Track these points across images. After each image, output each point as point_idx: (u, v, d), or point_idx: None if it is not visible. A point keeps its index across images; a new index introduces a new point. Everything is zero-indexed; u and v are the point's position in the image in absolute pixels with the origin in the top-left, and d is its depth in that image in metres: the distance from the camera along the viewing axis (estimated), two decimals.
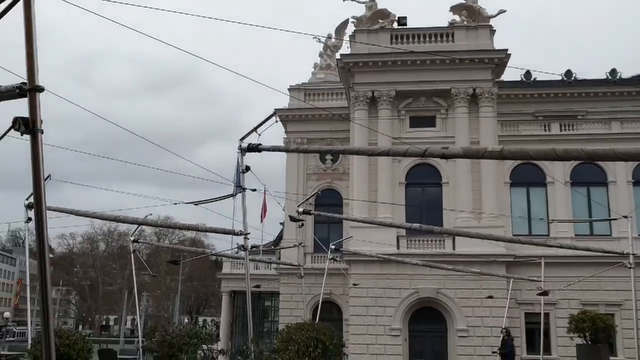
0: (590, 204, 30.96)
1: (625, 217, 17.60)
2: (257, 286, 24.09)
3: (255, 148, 9.63)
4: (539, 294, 21.47)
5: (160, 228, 70.99)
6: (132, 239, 20.63)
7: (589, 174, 31.34)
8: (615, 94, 36.10)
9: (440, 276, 28.89)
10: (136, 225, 21.00)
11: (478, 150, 7.36)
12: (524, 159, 6.34)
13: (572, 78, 37.27)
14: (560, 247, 15.49)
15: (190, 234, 78.47)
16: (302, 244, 31.84)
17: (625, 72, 38.26)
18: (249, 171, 10.24)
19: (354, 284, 27.85)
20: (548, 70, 46.77)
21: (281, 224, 45.37)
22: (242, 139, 9.96)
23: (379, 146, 9.14)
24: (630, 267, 16.02)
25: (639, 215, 29.19)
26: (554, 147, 6.94)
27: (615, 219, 20.88)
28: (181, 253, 52.78)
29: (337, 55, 35.41)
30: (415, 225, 13.14)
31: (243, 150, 9.91)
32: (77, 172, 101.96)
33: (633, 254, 16.07)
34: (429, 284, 29.53)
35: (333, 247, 21.43)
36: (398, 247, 29.90)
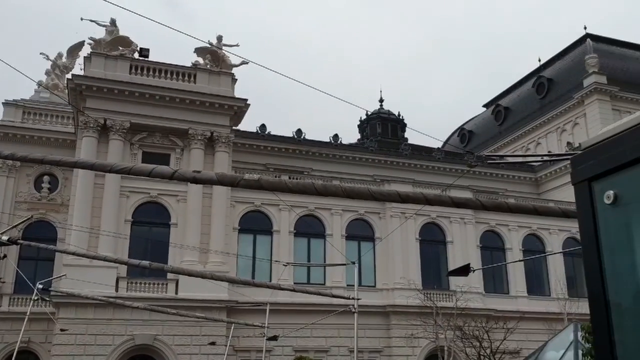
0: (310, 253, 32.98)
1: (353, 262, 19.03)
2: None
3: None
4: (269, 339, 21.65)
5: None
6: None
7: (311, 226, 33.49)
8: (336, 156, 39.80)
9: (159, 322, 27.42)
10: None
11: (234, 178, 6.73)
12: (283, 190, 5.94)
13: (302, 137, 40.06)
14: (294, 290, 15.84)
15: None
16: (2, 280, 27.19)
17: (346, 139, 42.70)
18: None
19: (61, 330, 24.53)
20: (282, 126, 49.76)
21: None
22: None
23: (104, 161, 7.66)
24: (354, 312, 17.21)
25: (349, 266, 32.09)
26: (313, 182, 6.69)
27: (345, 264, 22.46)
28: None
29: (69, 76, 32.22)
30: (145, 262, 11.92)
31: None
32: None
33: (357, 299, 17.30)
34: (147, 330, 27.71)
35: (41, 286, 18.43)
36: (117, 290, 27.54)
